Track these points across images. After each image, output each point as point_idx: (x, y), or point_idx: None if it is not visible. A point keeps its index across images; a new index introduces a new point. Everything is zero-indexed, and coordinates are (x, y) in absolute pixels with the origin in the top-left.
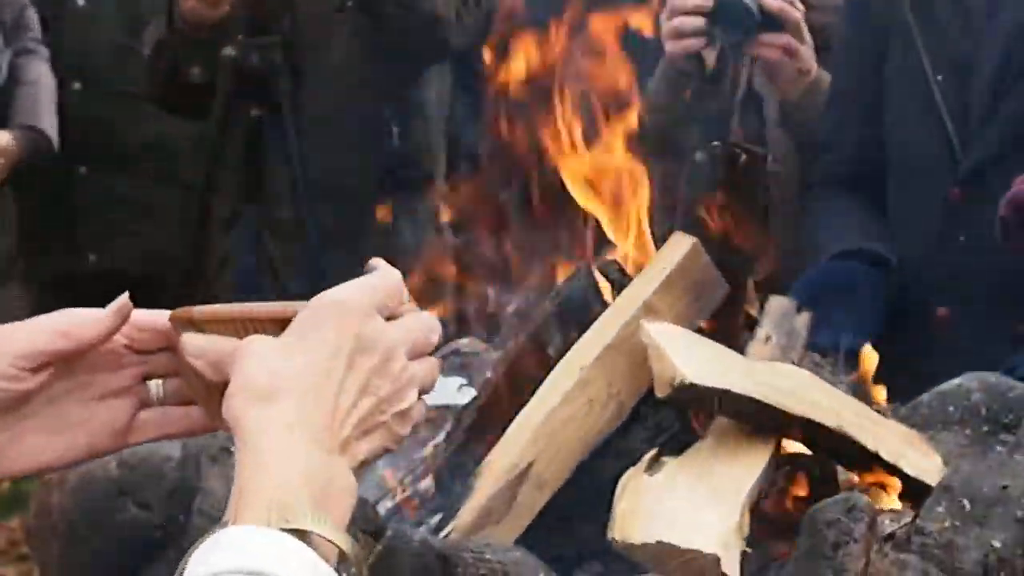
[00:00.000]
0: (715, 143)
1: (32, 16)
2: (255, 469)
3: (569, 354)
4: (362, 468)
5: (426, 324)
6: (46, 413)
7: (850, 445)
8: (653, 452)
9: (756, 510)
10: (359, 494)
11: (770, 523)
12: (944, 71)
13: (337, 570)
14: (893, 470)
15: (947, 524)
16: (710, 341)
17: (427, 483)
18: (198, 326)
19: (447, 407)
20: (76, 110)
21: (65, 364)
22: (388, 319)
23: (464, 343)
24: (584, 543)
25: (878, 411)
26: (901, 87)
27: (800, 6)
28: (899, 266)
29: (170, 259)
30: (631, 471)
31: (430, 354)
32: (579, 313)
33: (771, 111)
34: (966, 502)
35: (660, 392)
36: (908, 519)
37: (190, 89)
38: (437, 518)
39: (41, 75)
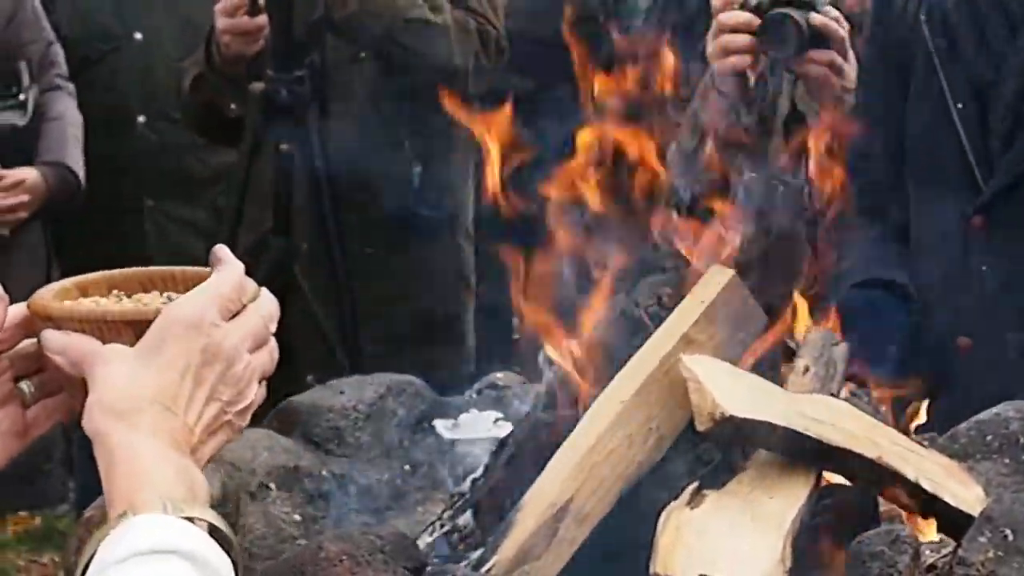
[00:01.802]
0: (752, 174)
1: (58, 52)
2: (135, 473)
3: (608, 388)
4: (208, 463)
5: (264, 313)
6: None
7: (890, 476)
8: (694, 485)
9: (797, 542)
10: (402, 531)
11: (812, 555)
12: (964, 98)
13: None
14: (934, 501)
15: (990, 555)
16: (749, 374)
17: (467, 517)
18: (56, 322)
19: (485, 441)
20: (140, 143)
21: None
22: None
23: (499, 377)
24: None
25: (917, 441)
26: (922, 114)
27: (845, 24)
28: (921, 295)
29: None
30: (672, 505)
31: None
32: (618, 347)
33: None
34: (1008, 532)
35: (700, 425)
36: (950, 550)
37: (228, 123)
38: (478, 554)
39: (67, 111)
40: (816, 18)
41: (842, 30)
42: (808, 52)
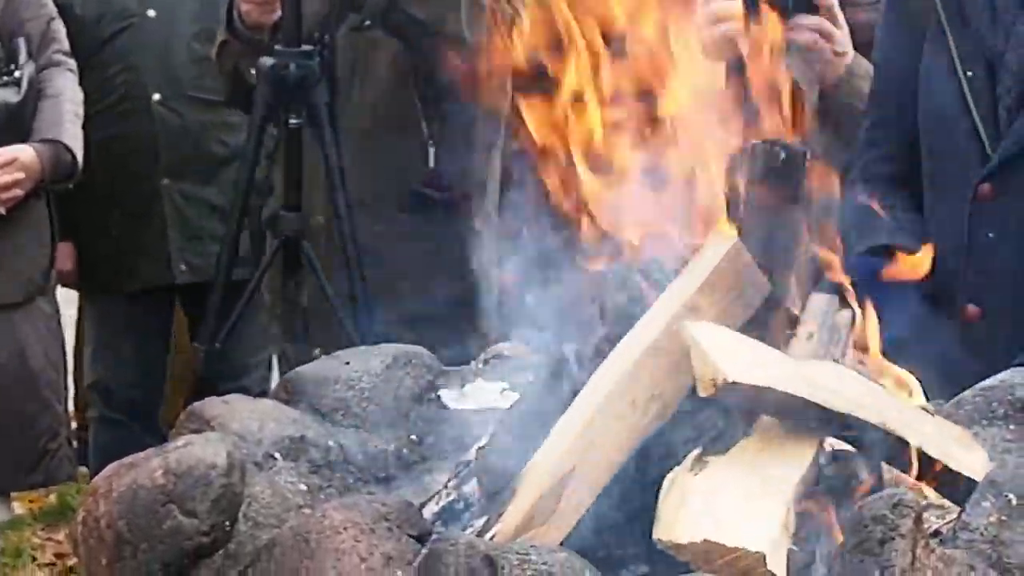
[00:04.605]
0: (753, 141)
1: (59, 28)
2: None
3: (611, 355)
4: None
5: None
6: None
7: (894, 441)
8: (697, 451)
9: (800, 507)
10: (406, 498)
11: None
12: (974, 66)
13: None
14: (938, 466)
15: (993, 519)
16: (752, 339)
17: (472, 486)
18: None
19: (490, 410)
20: (156, 121)
21: None
22: None
23: (506, 347)
24: (630, 544)
25: (921, 407)
26: (932, 83)
27: None
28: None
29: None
30: (676, 471)
31: None
32: (621, 313)
33: (811, 101)
34: (1012, 497)
35: (703, 391)
36: (954, 514)
37: (251, 88)
38: (482, 521)
39: (66, 88)
40: None
41: None
42: (795, 18)
